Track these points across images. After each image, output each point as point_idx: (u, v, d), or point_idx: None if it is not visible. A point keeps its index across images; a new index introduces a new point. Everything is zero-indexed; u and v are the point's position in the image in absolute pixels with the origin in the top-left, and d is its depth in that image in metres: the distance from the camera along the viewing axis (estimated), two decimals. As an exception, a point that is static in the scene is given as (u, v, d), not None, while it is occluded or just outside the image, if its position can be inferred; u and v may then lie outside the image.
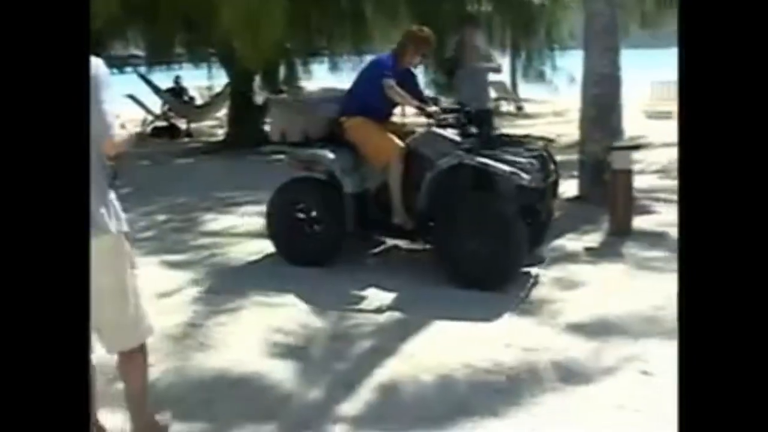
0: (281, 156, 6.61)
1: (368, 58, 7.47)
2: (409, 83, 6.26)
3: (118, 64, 19.49)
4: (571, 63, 15.13)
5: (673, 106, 18.95)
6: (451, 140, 5.91)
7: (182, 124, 17.62)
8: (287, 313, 5.31)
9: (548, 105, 18.32)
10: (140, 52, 19.68)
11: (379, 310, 5.29)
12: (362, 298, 5.56)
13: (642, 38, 16.80)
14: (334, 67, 16.21)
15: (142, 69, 18.40)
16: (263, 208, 6.67)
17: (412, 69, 6.46)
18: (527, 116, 18.40)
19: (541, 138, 6.55)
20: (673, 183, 9.52)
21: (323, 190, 6.26)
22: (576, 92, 15.31)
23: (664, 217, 7.59)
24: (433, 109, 6.02)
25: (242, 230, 7.81)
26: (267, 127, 6.56)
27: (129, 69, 20.32)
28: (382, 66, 6.12)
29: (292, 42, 14.80)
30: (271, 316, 5.25)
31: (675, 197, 7.86)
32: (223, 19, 10.70)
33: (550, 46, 15.12)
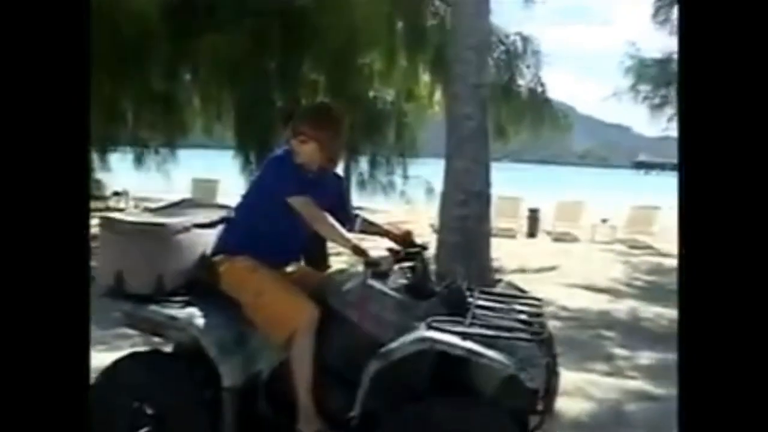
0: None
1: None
2: (328, 194, 4.01)
3: None
4: (420, 171, 13.51)
5: (516, 223, 18.05)
6: (401, 302, 3.71)
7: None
8: None
9: (381, 216, 16.46)
10: None
11: None
12: None
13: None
14: (139, 160, 13.42)
15: None
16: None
17: (331, 169, 4.16)
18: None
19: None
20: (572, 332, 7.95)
21: (184, 380, 3.76)
22: (413, 203, 13.75)
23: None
24: (382, 255, 3.75)
25: None
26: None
27: None
28: (284, 172, 3.80)
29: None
30: None
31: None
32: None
33: (400, 152, 13.17)
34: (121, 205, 21.86)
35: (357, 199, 15.53)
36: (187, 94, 12.84)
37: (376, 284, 3.74)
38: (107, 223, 3.82)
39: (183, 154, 14.61)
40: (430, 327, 3.47)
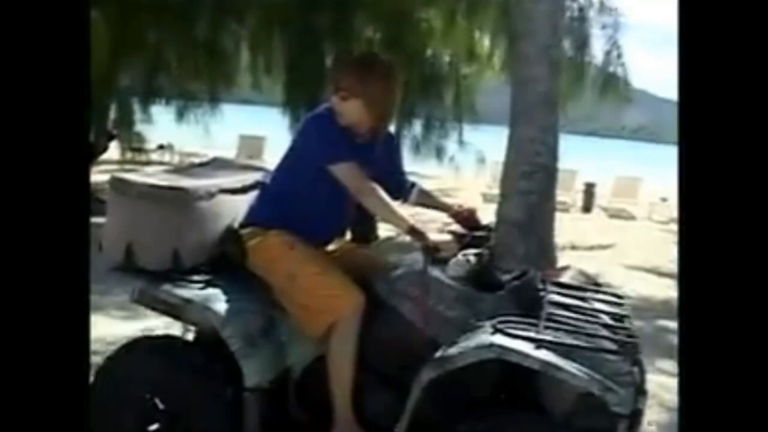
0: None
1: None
2: (378, 159, 3.40)
3: None
4: (473, 138, 12.77)
5: (570, 197, 17.29)
6: (463, 295, 3.11)
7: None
8: None
9: (431, 181, 15.73)
10: None
11: None
12: None
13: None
14: (181, 113, 12.88)
15: None
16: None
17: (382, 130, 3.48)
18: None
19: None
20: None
21: (202, 373, 3.20)
22: (461, 170, 13.01)
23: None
24: (444, 239, 3.14)
25: None
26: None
27: None
28: (324, 134, 3.20)
29: (123, 76, 11.76)
30: None
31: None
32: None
33: (457, 116, 12.38)
34: (166, 158, 21.53)
35: (406, 163, 14.74)
36: (235, 46, 12.24)
37: (434, 272, 3.14)
38: (117, 184, 3.23)
39: (230, 109, 14.05)
40: (496, 330, 2.85)
